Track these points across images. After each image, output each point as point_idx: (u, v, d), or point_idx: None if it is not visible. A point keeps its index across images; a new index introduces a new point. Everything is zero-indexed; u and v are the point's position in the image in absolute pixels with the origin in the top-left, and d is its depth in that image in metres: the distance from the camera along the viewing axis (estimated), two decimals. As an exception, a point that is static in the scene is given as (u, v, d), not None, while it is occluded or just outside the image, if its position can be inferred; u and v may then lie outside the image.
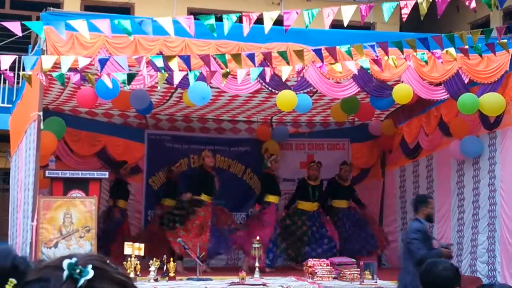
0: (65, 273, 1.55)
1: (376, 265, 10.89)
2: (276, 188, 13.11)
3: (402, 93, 10.38)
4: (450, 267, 4.61)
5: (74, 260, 1.57)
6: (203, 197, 12.22)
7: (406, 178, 13.93)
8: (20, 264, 2.09)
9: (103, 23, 7.79)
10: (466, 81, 10.47)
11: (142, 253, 10.14)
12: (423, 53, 9.12)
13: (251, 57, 8.71)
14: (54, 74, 8.64)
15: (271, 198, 12.89)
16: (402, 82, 10.40)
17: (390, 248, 14.08)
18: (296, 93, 10.31)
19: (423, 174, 13.20)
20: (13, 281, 1.86)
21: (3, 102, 15.94)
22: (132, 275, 9.62)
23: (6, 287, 1.86)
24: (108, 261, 1.66)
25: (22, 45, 13.86)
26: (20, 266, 2.06)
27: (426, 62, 9.55)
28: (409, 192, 13.70)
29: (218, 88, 10.11)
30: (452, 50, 8.74)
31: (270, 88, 10.38)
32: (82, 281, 1.54)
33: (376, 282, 10.28)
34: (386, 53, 8.71)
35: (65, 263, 1.56)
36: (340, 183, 13.71)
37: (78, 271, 1.55)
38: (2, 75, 8.64)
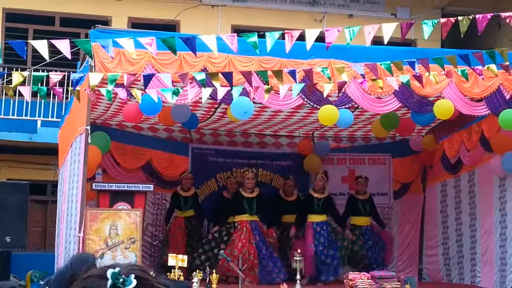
0: (109, 283, 1.61)
1: (416, 279, 10.91)
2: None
3: (443, 109, 10.42)
4: None
5: (117, 269, 1.63)
6: (237, 218, 12.40)
7: (447, 193, 13.91)
8: None
9: (149, 41, 7.99)
10: (507, 97, 10.48)
11: (185, 265, 10.27)
12: (464, 69, 9.18)
13: (293, 73, 8.84)
14: (102, 90, 8.88)
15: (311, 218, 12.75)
16: (443, 98, 10.45)
17: (431, 262, 14.04)
18: (338, 108, 10.42)
19: (465, 189, 13.18)
20: None
21: (52, 116, 16.32)
22: (175, 286, 9.78)
23: None
24: (149, 271, 1.71)
25: (71, 61, 14.21)
26: None
27: (467, 78, 9.60)
28: (451, 207, 13.69)
29: (260, 103, 10.27)
30: (493, 66, 8.79)
31: (312, 103, 10.50)
32: None
33: (416, 296, 10.31)
34: (427, 69, 8.78)
35: (109, 272, 1.63)
36: (357, 198, 13.47)
37: (121, 280, 1.61)
38: (52, 91, 8.91)
